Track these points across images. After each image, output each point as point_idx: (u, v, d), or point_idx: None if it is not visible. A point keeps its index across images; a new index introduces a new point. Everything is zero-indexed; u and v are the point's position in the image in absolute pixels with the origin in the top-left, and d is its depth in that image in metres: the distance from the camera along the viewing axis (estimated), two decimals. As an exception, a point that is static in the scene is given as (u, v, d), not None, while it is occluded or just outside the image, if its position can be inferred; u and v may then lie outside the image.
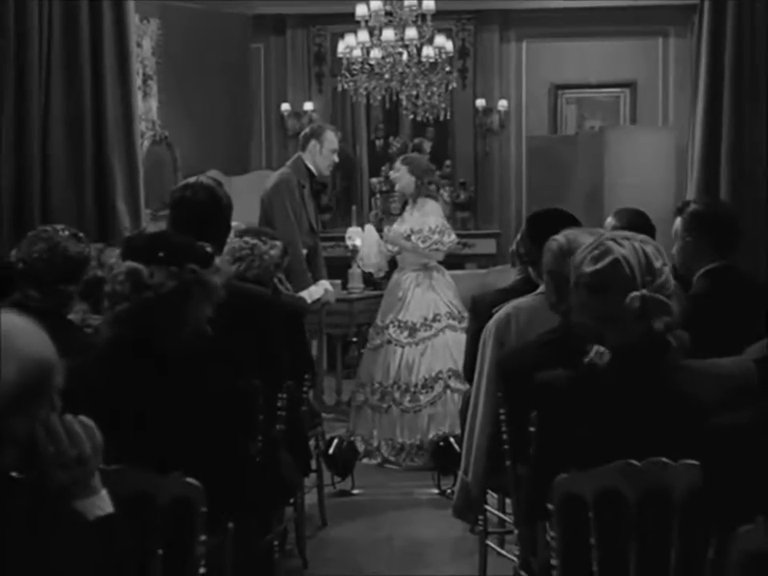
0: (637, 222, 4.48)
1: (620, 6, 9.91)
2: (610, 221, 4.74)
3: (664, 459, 2.28)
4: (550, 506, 2.34)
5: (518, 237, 3.99)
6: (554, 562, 2.39)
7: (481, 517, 4.18)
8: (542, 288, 3.59)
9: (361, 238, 6.63)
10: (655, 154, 8.74)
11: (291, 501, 4.42)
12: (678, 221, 3.98)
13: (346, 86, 8.36)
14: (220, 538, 2.64)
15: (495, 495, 4.34)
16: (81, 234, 3.77)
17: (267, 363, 3.53)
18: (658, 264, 2.49)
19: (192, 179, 3.73)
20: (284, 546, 4.50)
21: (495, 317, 3.83)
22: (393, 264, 6.62)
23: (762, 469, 1.93)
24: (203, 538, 2.29)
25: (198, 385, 2.66)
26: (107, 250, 3.38)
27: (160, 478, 2.24)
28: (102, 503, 1.81)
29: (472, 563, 4.31)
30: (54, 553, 1.70)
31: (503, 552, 4.21)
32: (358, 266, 6.91)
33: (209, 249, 2.83)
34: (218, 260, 2.86)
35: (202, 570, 2.28)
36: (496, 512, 4.33)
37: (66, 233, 3.71)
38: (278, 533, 3.93)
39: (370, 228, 6.64)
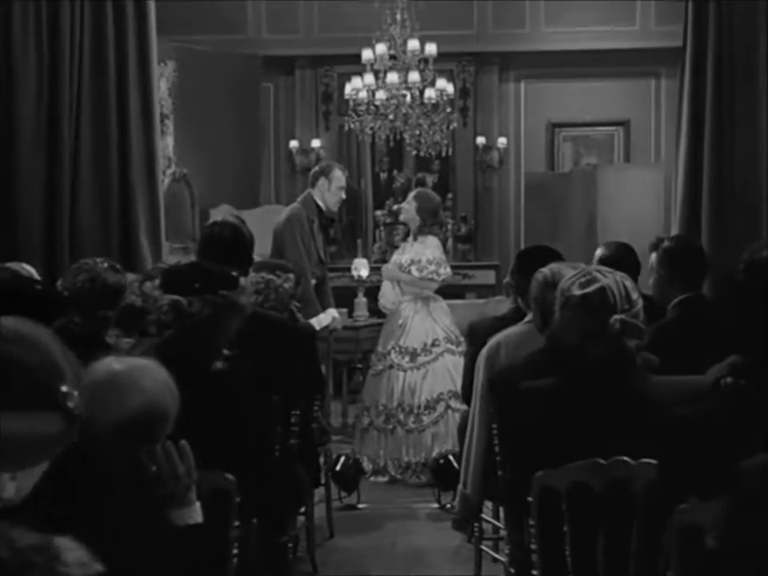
0: (624, 255, 4.84)
1: (614, 48, 10.36)
2: (599, 252, 5.11)
3: (626, 458, 2.70)
4: (529, 499, 2.76)
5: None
6: (533, 546, 2.80)
7: (476, 524, 4.58)
8: (529, 317, 4.02)
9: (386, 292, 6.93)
10: (645, 190, 9.16)
11: (303, 510, 4.83)
12: (653, 256, 4.42)
13: (352, 126, 8.82)
14: (246, 531, 3.07)
15: (489, 505, 4.74)
16: (118, 266, 4.22)
17: (284, 381, 3.95)
18: (634, 296, 2.94)
19: (219, 218, 4.19)
20: (296, 552, 4.90)
21: (487, 345, 4.25)
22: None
23: (701, 456, 2.33)
24: (236, 523, 2.70)
25: (230, 399, 3.09)
26: (147, 282, 3.80)
27: (202, 472, 2.65)
28: (194, 514, 2.23)
29: (468, 568, 4.71)
30: (144, 549, 2.08)
31: (497, 556, 4.61)
32: (365, 296, 7.32)
33: (234, 273, 3.27)
34: (242, 281, 3.30)
35: (234, 551, 2.70)
36: (490, 520, 4.73)
37: (105, 264, 4.15)
38: (292, 536, 4.33)
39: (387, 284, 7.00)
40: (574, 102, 10.83)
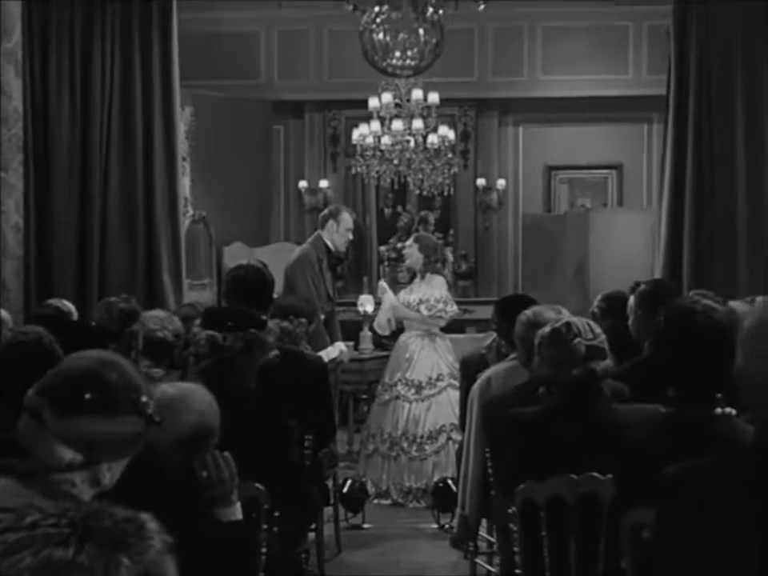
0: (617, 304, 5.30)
1: (608, 95, 10.84)
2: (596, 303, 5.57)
3: (595, 474, 3.18)
4: (512, 509, 3.24)
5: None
6: (516, 549, 3.28)
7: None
8: (512, 355, 4.51)
9: (379, 301, 7.39)
10: (636, 233, 9.58)
11: (314, 527, 5.28)
12: (632, 298, 4.90)
13: (359, 170, 9.32)
14: (269, 539, 3.54)
15: (484, 522, 5.19)
16: (127, 296, 4.86)
17: (298, 407, 4.42)
18: (597, 330, 3.44)
19: (244, 262, 4.72)
20: (307, 566, 5.34)
21: (479, 381, 4.72)
22: (399, 328, 7.48)
23: (644, 471, 2.80)
24: (265, 526, 3.18)
25: (254, 419, 3.57)
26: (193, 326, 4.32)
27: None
28: (236, 512, 2.69)
29: (466, 580, 5.18)
30: (197, 541, 2.52)
31: (491, 568, 5.07)
32: (370, 329, 7.78)
33: (263, 316, 3.77)
34: (270, 323, 3.80)
35: (263, 551, 3.17)
36: (485, 536, 5.18)
37: (116, 298, 4.86)
38: (304, 549, 4.79)
39: (389, 296, 7.45)
40: (569, 146, 11.33)
